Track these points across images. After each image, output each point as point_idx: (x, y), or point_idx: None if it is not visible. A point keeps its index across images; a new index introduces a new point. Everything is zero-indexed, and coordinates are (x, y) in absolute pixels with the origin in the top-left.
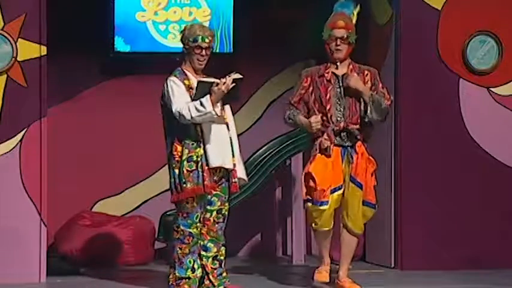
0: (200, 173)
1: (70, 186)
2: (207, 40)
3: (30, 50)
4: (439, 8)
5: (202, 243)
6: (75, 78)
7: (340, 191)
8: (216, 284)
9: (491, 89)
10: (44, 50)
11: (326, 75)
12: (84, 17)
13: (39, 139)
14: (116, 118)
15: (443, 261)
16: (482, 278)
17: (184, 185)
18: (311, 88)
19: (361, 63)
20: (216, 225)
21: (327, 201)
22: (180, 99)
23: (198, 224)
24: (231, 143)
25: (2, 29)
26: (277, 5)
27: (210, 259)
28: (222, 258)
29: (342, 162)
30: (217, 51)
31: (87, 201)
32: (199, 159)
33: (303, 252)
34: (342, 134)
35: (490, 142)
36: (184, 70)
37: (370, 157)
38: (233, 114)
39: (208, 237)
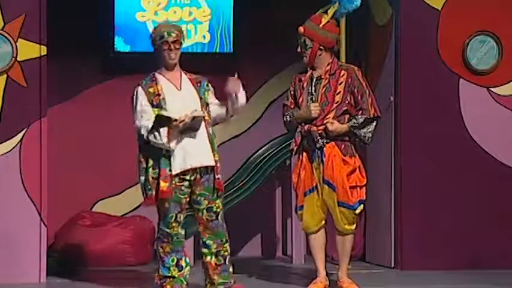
0: (158, 180)
1: (70, 186)
2: (173, 34)
3: (30, 50)
4: (439, 8)
5: (202, 241)
6: (75, 78)
7: (313, 193)
8: (216, 281)
9: (491, 89)
10: (44, 50)
11: (303, 79)
12: (84, 17)
13: (39, 139)
14: (116, 118)
15: (443, 261)
16: (482, 278)
17: (149, 192)
18: (293, 92)
19: (351, 63)
20: (211, 223)
21: (302, 206)
22: (142, 116)
23: (174, 224)
24: (210, 137)
25: (2, 29)
26: (277, 5)
27: (213, 256)
28: (226, 254)
29: (312, 164)
30: (217, 51)
31: (87, 201)
32: (160, 166)
33: (303, 252)
34: (308, 137)
35: (490, 142)
36: (156, 74)
37: (347, 157)
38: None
39: (207, 235)
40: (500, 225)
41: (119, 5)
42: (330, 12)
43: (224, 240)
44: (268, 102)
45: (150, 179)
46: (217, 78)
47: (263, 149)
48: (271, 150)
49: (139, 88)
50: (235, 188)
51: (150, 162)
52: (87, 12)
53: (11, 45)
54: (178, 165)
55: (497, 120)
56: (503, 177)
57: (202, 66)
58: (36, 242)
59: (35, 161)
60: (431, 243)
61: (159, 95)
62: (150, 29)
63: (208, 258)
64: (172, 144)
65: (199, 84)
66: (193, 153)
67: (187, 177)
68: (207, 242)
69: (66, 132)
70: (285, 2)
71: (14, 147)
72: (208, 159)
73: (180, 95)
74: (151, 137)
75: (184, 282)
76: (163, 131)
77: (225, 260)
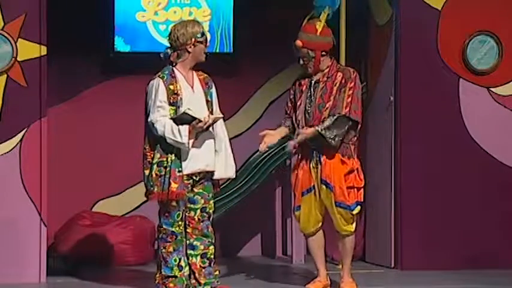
0: (167, 179)
1: (70, 186)
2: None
3: (30, 50)
4: (439, 8)
5: (188, 242)
6: (75, 78)
7: (310, 193)
8: (202, 282)
9: (491, 89)
10: (44, 50)
11: (302, 82)
12: (84, 17)
13: (39, 139)
14: (116, 118)
15: (443, 261)
16: (482, 278)
17: (151, 188)
18: (292, 96)
19: (351, 63)
20: (201, 223)
21: (299, 206)
22: (159, 111)
23: (180, 223)
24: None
25: (2, 29)
26: (277, 5)
27: (199, 257)
28: (211, 257)
29: (309, 165)
30: (217, 51)
31: (87, 201)
32: (169, 164)
33: (303, 252)
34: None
35: (490, 142)
36: (176, 70)
37: (345, 158)
38: (233, 115)
39: (194, 236)
40: (500, 225)
41: (118, 5)
42: (323, 18)
43: (211, 241)
44: (268, 102)
45: (154, 175)
46: (217, 78)
47: None
48: (271, 150)
49: (161, 82)
50: (235, 188)
51: (156, 158)
52: (87, 12)
53: (11, 45)
54: (189, 166)
55: (497, 120)
56: (503, 177)
57: (202, 66)
58: (36, 242)
59: (35, 161)
60: (431, 243)
61: (177, 94)
62: (150, 29)
63: (194, 259)
64: (190, 142)
65: (207, 86)
66: (201, 155)
67: (195, 177)
68: (194, 243)
69: (66, 132)
70: (285, 2)
71: (14, 147)
72: (213, 164)
73: (194, 97)
74: (169, 135)
75: (185, 282)
76: (184, 130)
77: (210, 262)
